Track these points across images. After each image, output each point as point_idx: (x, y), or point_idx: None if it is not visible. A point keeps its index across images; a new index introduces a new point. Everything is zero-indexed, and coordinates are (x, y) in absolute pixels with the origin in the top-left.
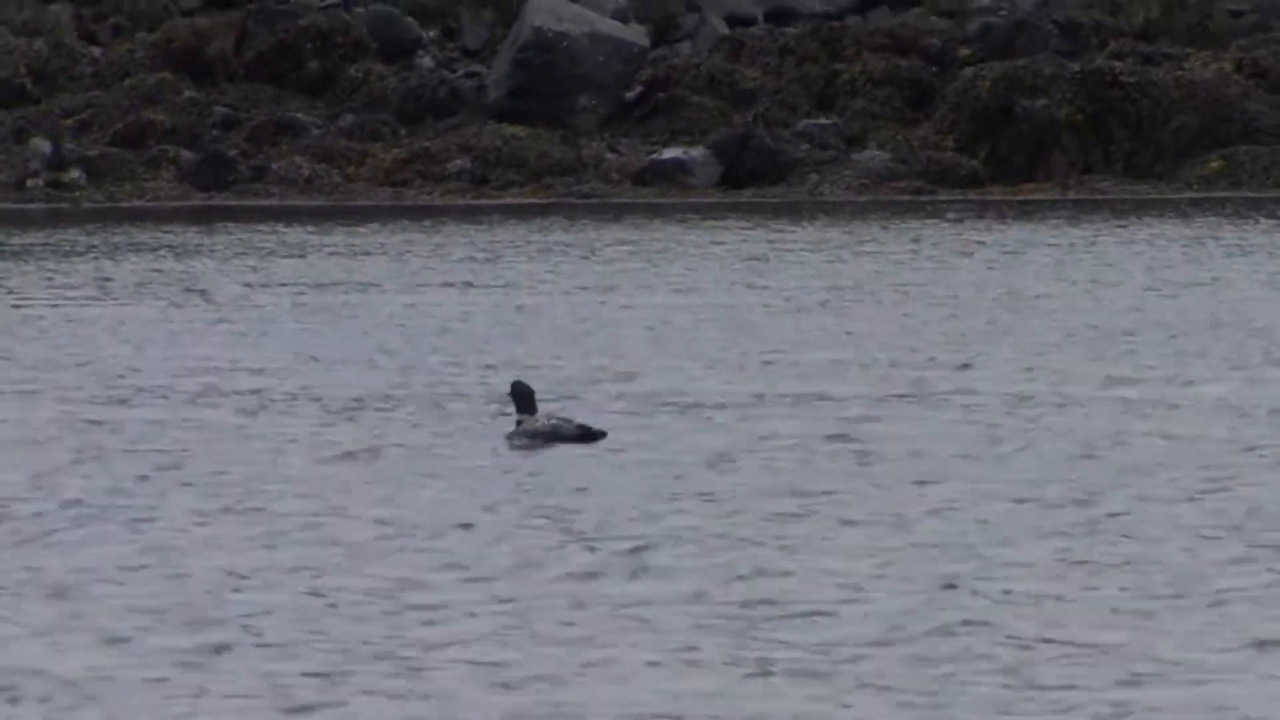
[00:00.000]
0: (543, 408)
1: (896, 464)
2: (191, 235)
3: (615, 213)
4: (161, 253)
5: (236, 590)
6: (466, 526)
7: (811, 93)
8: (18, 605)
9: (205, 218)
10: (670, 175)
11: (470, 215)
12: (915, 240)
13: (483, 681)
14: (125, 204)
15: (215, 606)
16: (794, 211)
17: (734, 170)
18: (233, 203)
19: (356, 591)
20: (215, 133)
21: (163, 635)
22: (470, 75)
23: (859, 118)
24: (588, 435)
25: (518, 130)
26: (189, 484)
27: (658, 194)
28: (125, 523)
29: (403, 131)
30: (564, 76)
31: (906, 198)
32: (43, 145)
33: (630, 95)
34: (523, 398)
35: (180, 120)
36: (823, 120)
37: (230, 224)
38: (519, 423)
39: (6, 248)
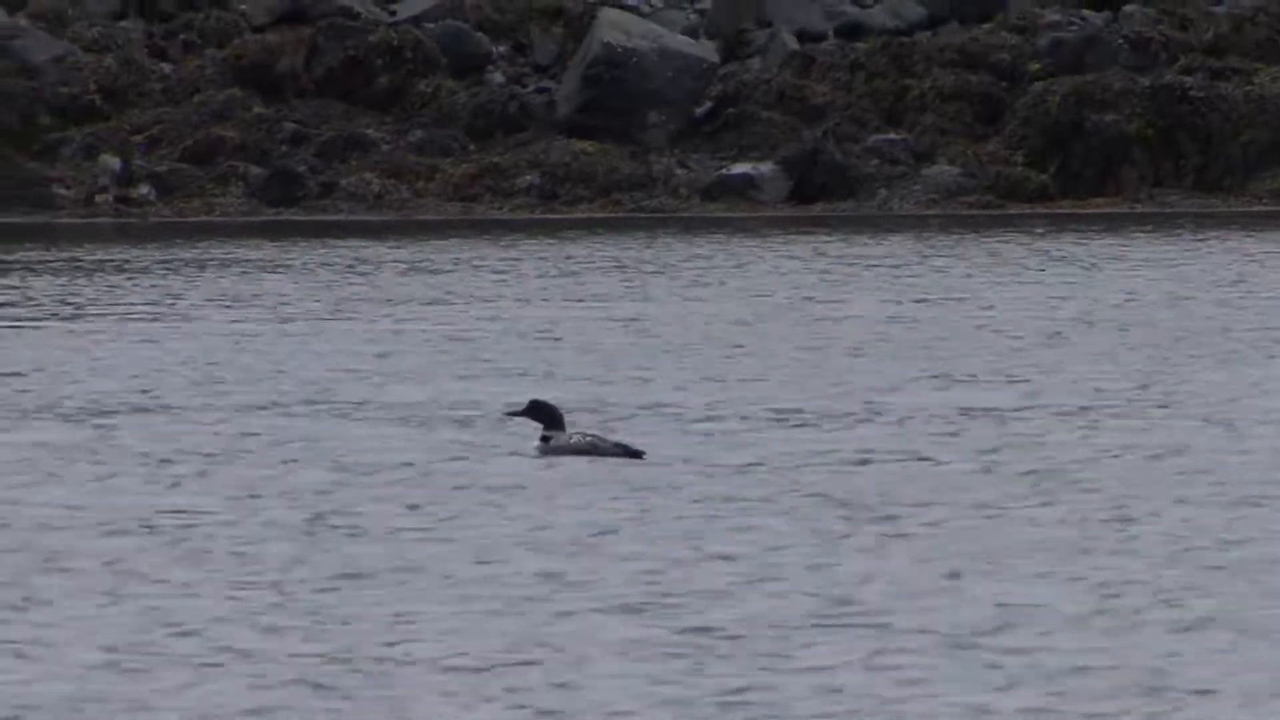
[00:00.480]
0: (596, 423)
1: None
2: (263, 251)
3: (684, 227)
4: (232, 268)
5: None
6: None
7: (881, 108)
8: None
9: (273, 233)
10: (739, 190)
11: (541, 230)
12: (993, 254)
13: None
14: (193, 219)
15: None
16: (864, 225)
17: (803, 186)
18: (301, 218)
19: None
20: (284, 149)
21: None
22: (540, 91)
23: (929, 133)
24: (626, 453)
25: (587, 146)
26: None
27: (726, 209)
28: None
29: (472, 147)
30: (634, 92)
31: (974, 212)
32: (112, 162)
33: (700, 111)
34: (546, 415)
35: (249, 136)
36: (892, 135)
37: (299, 239)
38: (545, 439)
39: (78, 264)
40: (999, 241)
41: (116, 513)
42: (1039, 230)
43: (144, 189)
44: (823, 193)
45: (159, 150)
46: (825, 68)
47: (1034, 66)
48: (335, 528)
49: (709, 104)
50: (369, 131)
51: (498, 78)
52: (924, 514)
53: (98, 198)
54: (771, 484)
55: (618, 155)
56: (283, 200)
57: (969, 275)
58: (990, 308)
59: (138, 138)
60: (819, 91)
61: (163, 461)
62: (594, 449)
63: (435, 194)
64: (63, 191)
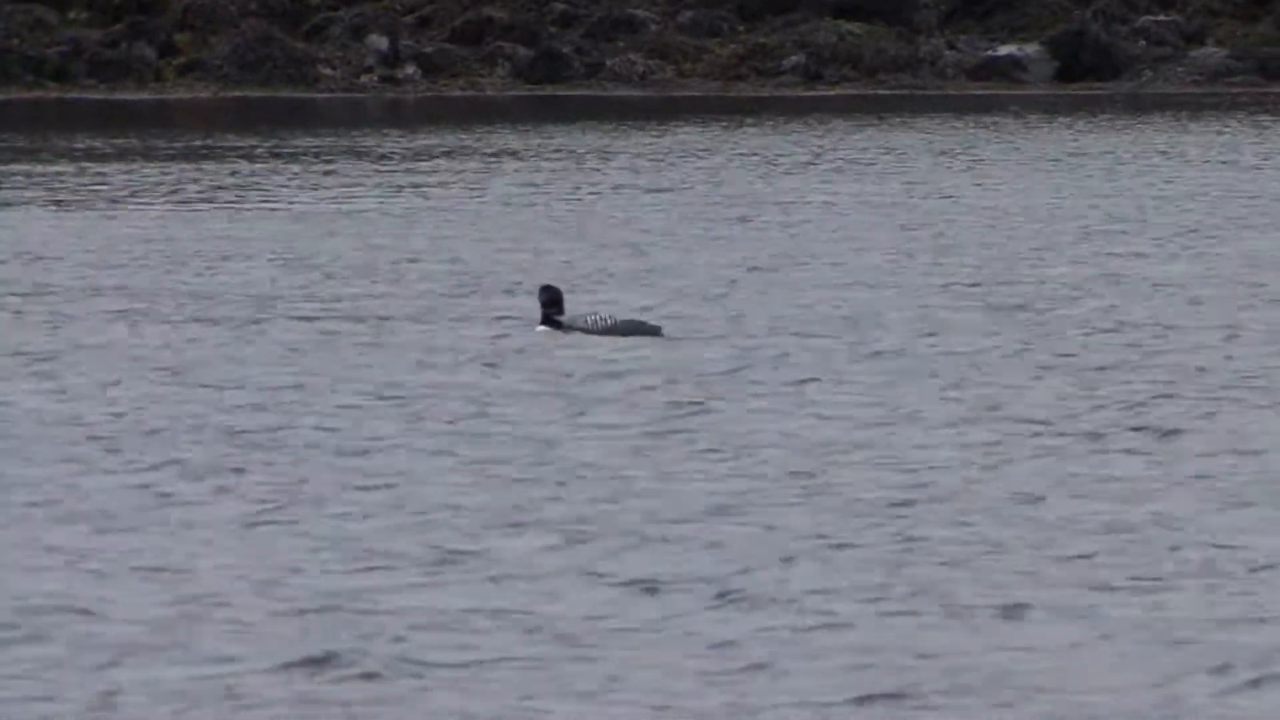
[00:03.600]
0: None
1: None
2: (526, 137)
3: (948, 106)
4: (496, 157)
5: None
6: None
7: None
8: None
9: (536, 112)
10: (1004, 71)
11: (799, 109)
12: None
13: None
14: (454, 94)
15: None
16: (1128, 107)
17: (1068, 67)
18: (563, 93)
19: None
20: (553, 29)
21: None
22: None
23: (1199, 14)
24: (643, 329)
25: (854, 27)
26: None
27: (987, 89)
28: None
29: (741, 28)
30: None
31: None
32: (379, 41)
33: None
34: (553, 299)
35: (519, 17)
36: (1162, 17)
37: (563, 125)
38: (555, 321)
39: (344, 144)
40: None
41: None
42: None
43: (409, 69)
44: (1088, 74)
45: (428, 31)
46: None
47: None
48: None
49: None
50: (638, 12)
51: None
52: None
53: (362, 77)
54: None
55: (885, 36)
56: (547, 81)
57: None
58: None
59: (408, 18)
60: None
61: None
62: (610, 326)
63: (701, 74)
64: (328, 71)
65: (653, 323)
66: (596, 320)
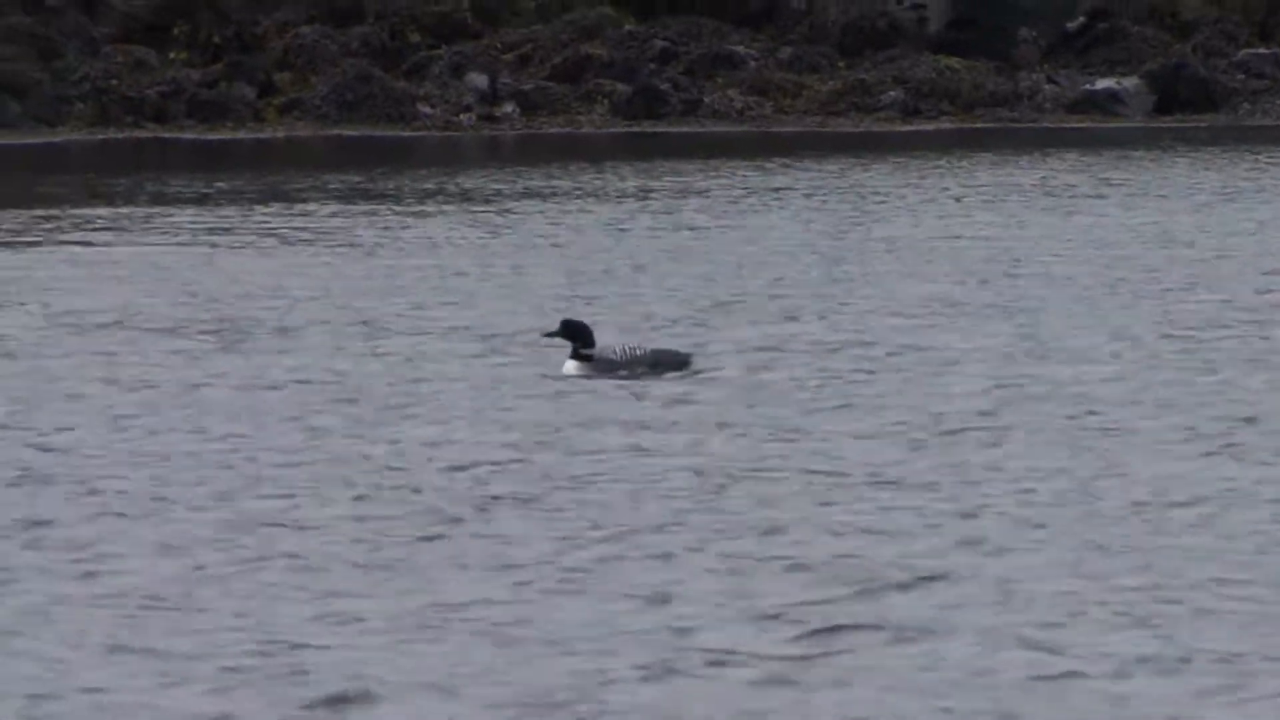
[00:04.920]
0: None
1: None
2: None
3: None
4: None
5: None
6: None
7: (1253, 22)
8: None
9: (634, 147)
10: (1102, 105)
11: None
12: None
13: None
14: (551, 131)
15: None
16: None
17: (1166, 100)
18: (660, 130)
19: None
20: (652, 66)
21: None
22: (914, 7)
23: None
24: (673, 361)
25: (954, 62)
26: None
27: (1084, 121)
28: None
29: (840, 64)
30: (1006, 8)
31: None
32: (479, 79)
33: (1071, 26)
34: (578, 332)
35: (619, 54)
36: (1262, 50)
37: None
38: (585, 356)
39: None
40: None
41: None
42: None
43: (508, 107)
44: (1185, 107)
45: (528, 69)
46: None
47: None
48: None
49: (1081, 19)
50: (739, 49)
51: None
52: None
53: (461, 116)
54: None
55: (984, 71)
56: (645, 117)
57: None
58: None
59: (507, 56)
60: (1190, 6)
61: None
62: (637, 359)
63: (799, 110)
64: (426, 109)
65: (684, 351)
66: (625, 352)
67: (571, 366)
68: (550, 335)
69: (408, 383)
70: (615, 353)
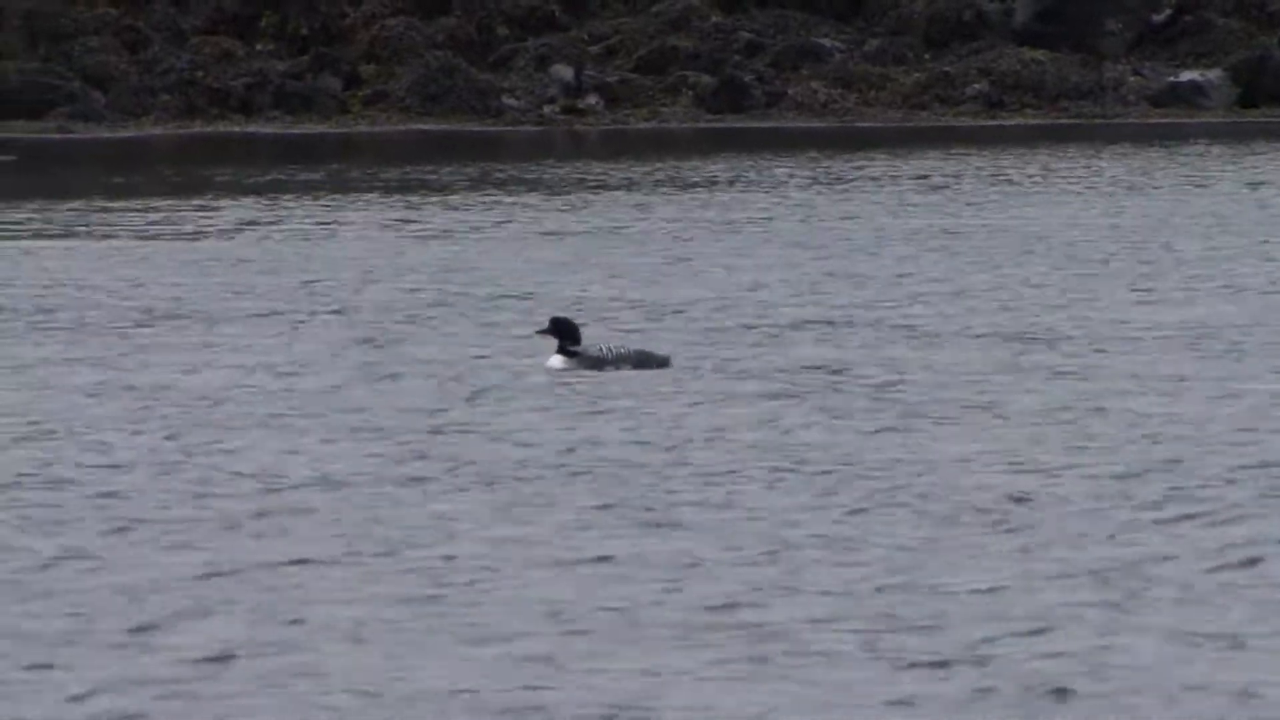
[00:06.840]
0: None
1: None
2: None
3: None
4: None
5: None
6: None
7: None
8: None
9: (716, 142)
10: (1186, 98)
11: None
12: None
13: None
14: (634, 125)
15: None
16: None
17: (1251, 92)
18: (742, 125)
19: None
20: (737, 58)
21: None
22: None
23: None
24: (652, 361)
25: (1039, 54)
26: None
27: (1167, 115)
28: None
29: (926, 56)
30: (1092, 0)
31: None
32: (564, 72)
33: (1157, 18)
34: (565, 330)
35: (704, 46)
36: None
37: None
38: (570, 353)
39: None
40: None
41: None
42: None
43: (591, 99)
44: (1270, 99)
45: (613, 61)
46: None
47: None
48: None
49: (1168, 11)
50: (824, 41)
51: None
52: None
53: (545, 108)
54: None
55: (1069, 63)
56: (729, 110)
57: None
58: None
59: (594, 48)
60: None
61: None
62: (621, 357)
63: (883, 103)
64: (511, 102)
65: (661, 353)
66: (609, 350)
67: (557, 361)
68: (541, 332)
69: None
70: (600, 350)
